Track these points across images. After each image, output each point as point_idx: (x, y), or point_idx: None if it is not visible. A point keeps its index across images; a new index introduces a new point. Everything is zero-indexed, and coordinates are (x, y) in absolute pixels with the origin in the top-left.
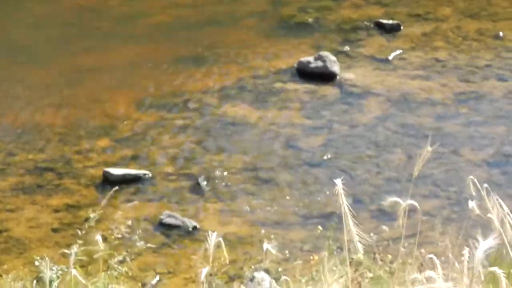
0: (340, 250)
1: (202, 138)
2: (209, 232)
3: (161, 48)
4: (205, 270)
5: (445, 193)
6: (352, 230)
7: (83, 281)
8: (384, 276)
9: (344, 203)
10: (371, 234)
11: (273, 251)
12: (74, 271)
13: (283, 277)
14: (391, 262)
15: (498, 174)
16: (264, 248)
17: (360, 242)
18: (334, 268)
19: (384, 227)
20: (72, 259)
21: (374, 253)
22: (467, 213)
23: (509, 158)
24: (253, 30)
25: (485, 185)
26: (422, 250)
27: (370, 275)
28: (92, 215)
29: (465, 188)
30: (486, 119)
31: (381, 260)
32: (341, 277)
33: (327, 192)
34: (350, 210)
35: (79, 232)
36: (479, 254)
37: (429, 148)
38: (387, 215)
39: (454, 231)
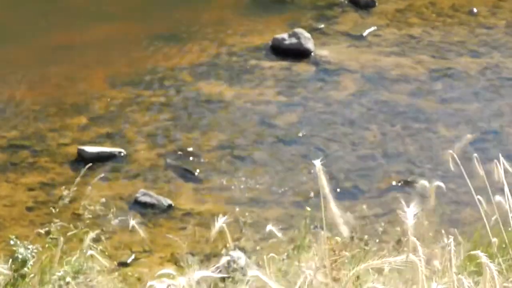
0: (316, 229)
1: (177, 116)
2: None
3: (136, 25)
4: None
5: (420, 169)
6: (336, 212)
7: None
8: (361, 255)
9: (325, 186)
10: (348, 213)
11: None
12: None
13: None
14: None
15: (473, 151)
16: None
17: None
18: (311, 246)
19: (362, 205)
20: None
21: (351, 232)
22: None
23: (483, 134)
24: (228, 7)
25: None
26: (398, 228)
27: (347, 253)
28: (65, 192)
29: (439, 165)
30: (460, 95)
31: (358, 239)
32: (316, 255)
33: (303, 170)
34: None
35: (53, 210)
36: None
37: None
38: (362, 192)
39: (430, 209)
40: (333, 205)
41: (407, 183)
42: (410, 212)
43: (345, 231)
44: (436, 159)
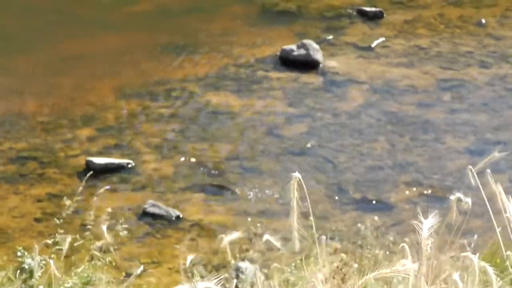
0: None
1: (185, 127)
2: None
3: (144, 36)
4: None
5: (428, 181)
6: (294, 226)
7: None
8: (368, 265)
9: (294, 197)
10: (358, 223)
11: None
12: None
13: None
14: (375, 252)
15: (480, 162)
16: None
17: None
18: (318, 257)
19: (370, 216)
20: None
21: (359, 243)
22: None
23: (491, 145)
24: (236, 18)
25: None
26: (407, 239)
27: (355, 265)
28: (67, 202)
29: (447, 176)
30: (468, 106)
31: (367, 249)
32: (324, 266)
33: (311, 181)
34: (299, 205)
35: (57, 221)
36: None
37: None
38: (371, 203)
39: (439, 217)
40: (294, 219)
41: (417, 194)
42: (426, 224)
43: (296, 245)
44: (445, 170)
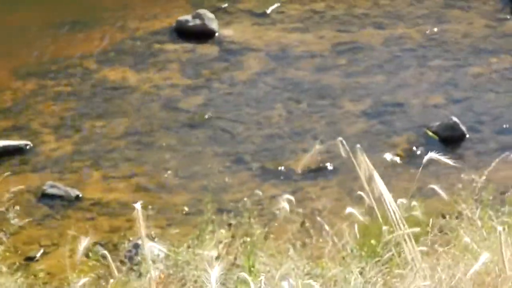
0: (220, 212)
1: (83, 104)
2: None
3: (37, 14)
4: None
5: (326, 146)
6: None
7: None
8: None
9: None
10: (256, 191)
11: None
12: None
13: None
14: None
15: (378, 124)
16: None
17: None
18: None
19: (269, 185)
20: None
21: (249, 217)
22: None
23: (387, 107)
24: None
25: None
26: (300, 210)
27: (248, 239)
28: None
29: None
30: (364, 69)
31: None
32: (220, 242)
33: (210, 153)
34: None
35: None
36: None
37: (318, 146)
38: (269, 172)
39: (336, 184)
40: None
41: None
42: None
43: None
44: (343, 135)
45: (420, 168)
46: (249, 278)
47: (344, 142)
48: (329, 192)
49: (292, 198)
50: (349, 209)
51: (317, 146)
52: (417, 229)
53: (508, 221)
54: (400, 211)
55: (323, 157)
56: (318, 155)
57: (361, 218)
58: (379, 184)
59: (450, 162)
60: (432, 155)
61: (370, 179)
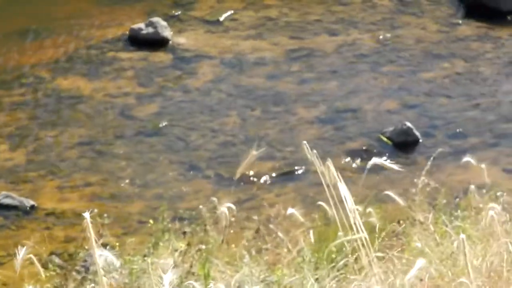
0: (175, 220)
1: (36, 114)
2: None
3: None
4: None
5: (281, 153)
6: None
7: None
8: (215, 247)
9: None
10: (212, 198)
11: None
12: None
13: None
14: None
15: (331, 130)
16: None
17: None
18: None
19: (223, 193)
20: None
21: (205, 225)
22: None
23: (341, 113)
24: (83, 0)
25: (314, 151)
26: (255, 217)
27: (203, 247)
28: None
29: (299, 147)
30: (318, 75)
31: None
32: (176, 251)
33: (164, 161)
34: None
35: None
36: None
37: (254, 153)
38: (224, 179)
39: (291, 190)
40: (98, 258)
41: (270, 167)
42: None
43: None
44: (297, 141)
45: (365, 173)
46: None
47: (308, 146)
48: (285, 198)
49: (233, 206)
50: (290, 210)
51: (254, 153)
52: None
53: (461, 225)
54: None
55: (279, 163)
56: (274, 162)
57: (301, 218)
58: (342, 190)
59: (394, 167)
60: (376, 160)
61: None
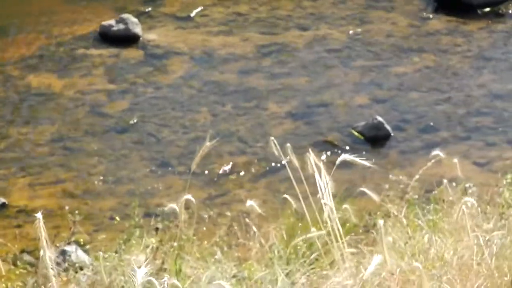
0: (148, 217)
1: (6, 112)
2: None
3: None
4: None
5: (252, 149)
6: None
7: None
8: (189, 243)
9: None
10: (183, 195)
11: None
12: None
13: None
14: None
15: (303, 125)
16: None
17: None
18: (140, 238)
19: (195, 189)
20: None
21: (177, 221)
22: (276, 169)
23: (313, 108)
24: None
25: (288, 144)
26: (228, 213)
27: (175, 244)
28: None
29: (271, 143)
30: (289, 70)
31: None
32: (147, 247)
33: (136, 157)
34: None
35: None
36: None
37: (208, 144)
38: (195, 176)
39: (263, 186)
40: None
41: (241, 163)
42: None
43: None
44: (268, 137)
45: (333, 169)
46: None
47: (275, 142)
48: (256, 194)
49: (192, 198)
50: (249, 202)
51: (208, 144)
52: (339, 227)
53: (433, 219)
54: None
55: (251, 158)
56: (245, 157)
57: (258, 209)
58: (321, 184)
59: (364, 163)
60: (345, 156)
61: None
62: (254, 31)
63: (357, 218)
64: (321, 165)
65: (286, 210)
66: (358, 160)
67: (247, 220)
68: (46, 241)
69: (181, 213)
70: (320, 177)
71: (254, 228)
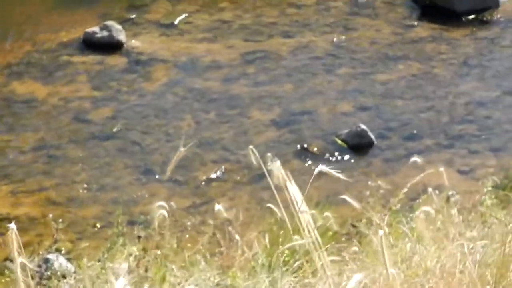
0: (131, 225)
1: None
2: None
3: None
4: None
5: (235, 156)
6: None
7: None
8: (171, 252)
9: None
10: (171, 202)
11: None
12: None
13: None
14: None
15: (287, 133)
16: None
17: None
18: (123, 246)
19: (179, 197)
20: None
21: (163, 229)
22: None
23: (296, 116)
24: (37, 3)
25: (269, 154)
26: (211, 222)
27: (158, 252)
28: None
29: (254, 150)
30: (273, 78)
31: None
32: (130, 255)
33: (119, 165)
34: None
35: None
36: None
37: (182, 149)
38: (178, 184)
39: (246, 194)
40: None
41: (225, 171)
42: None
43: None
44: (251, 145)
45: (311, 180)
46: None
47: (254, 150)
48: (240, 201)
49: (165, 205)
50: (217, 206)
51: (182, 149)
52: (317, 236)
53: (415, 227)
54: (312, 220)
55: (234, 166)
56: (228, 165)
57: (225, 214)
58: (295, 193)
59: (340, 175)
60: (321, 167)
61: (281, 189)
62: (238, 38)
63: (339, 226)
64: (288, 173)
65: (268, 218)
66: (333, 172)
67: (229, 228)
68: (18, 253)
69: (156, 221)
70: (291, 185)
71: (237, 237)
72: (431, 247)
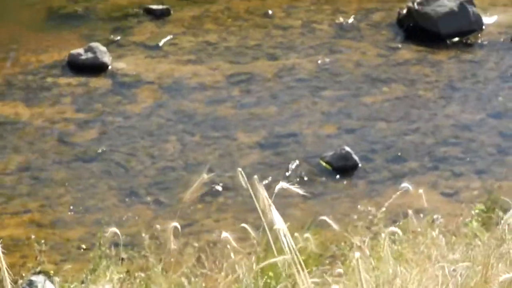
0: (116, 246)
1: None
2: None
3: None
4: None
5: (220, 178)
6: None
7: None
8: (157, 273)
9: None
10: (156, 225)
11: None
12: None
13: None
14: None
15: (272, 155)
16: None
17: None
18: (107, 268)
19: (164, 219)
20: None
21: (145, 251)
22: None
23: (281, 138)
24: (22, 24)
25: (255, 176)
26: (196, 244)
27: (142, 274)
28: None
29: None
30: (258, 100)
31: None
32: (114, 277)
33: (104, 187)
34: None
35: None
36: None
37: (205, 176)
38: (164, 206)
39: (231, 216)
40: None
41: (210, 193)
42: None
43: None
44: (236, 167)
45: (273, 197)
46: None
47: (242, 172)
48: (224, 224)
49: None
50: (224, 234)
51: (205, 176)
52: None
53: (398, 249)
54: (295, 242)
55: (219, 188)
56: (213, 187)
57: (234, 243)
58: (275, 216)
59: (300, 191)
60: (283, 184)
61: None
62: (223, 60)
63: (322, 248)
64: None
65: (252, 240)
66: (293, 188)
67: (213, 250)
68: (7, 273)
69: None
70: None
71: (222, 259)
72: (412, 269)
